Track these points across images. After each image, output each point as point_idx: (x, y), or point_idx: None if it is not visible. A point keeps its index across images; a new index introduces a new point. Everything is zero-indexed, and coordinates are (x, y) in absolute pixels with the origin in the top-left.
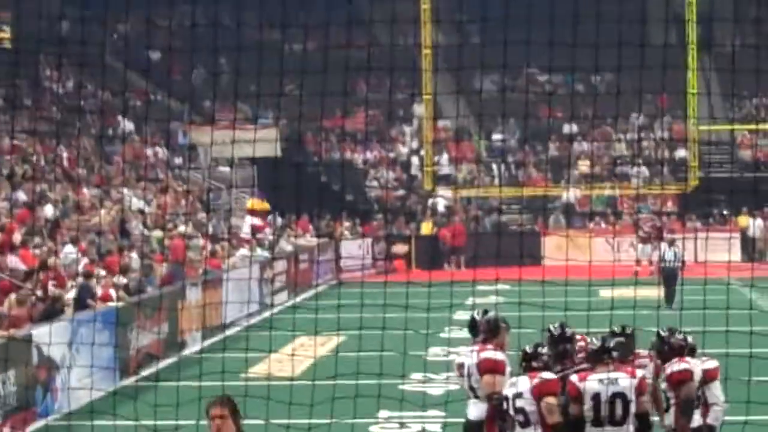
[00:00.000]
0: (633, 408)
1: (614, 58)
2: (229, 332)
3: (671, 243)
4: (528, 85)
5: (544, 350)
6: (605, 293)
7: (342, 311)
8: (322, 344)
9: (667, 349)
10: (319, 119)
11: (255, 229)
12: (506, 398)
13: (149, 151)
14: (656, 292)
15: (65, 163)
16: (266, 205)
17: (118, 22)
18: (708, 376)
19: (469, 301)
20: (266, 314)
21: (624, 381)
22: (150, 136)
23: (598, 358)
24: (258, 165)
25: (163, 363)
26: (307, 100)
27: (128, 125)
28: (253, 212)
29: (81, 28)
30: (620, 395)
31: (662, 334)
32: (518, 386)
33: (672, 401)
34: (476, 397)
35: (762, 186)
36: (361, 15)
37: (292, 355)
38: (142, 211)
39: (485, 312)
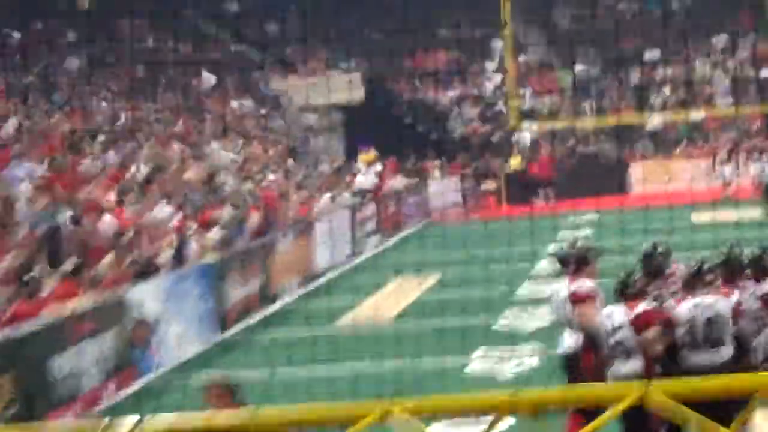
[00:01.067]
0: (730, 330)
1: None
2: (323, 279)
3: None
4: (607, 14)
5: (637, 276)
6: (696, 217)
7: (434, 250)
8: (419, 284)
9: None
10: (400, 60)
11: (380, 177)
12: (604, 330)
13: (234, 104)
14: (752, 213)
15: (152, 119)
16: (372, 155)
17: None
18: None
19: (561, 233)
20: (360, 258)
21: (720, 303)
22: (233, 88)
23: (694, 283)
24: (344, 110)
25: (260, 315)
26: (388, 42)
27: (210, 78)
28: (369, 163)
29: None
30: (716, 318)
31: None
32: (614, 318)
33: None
34: (571, 327)
35: None
36: None
37: (394, 289)
38: (232, 164)
39: (574, 243)
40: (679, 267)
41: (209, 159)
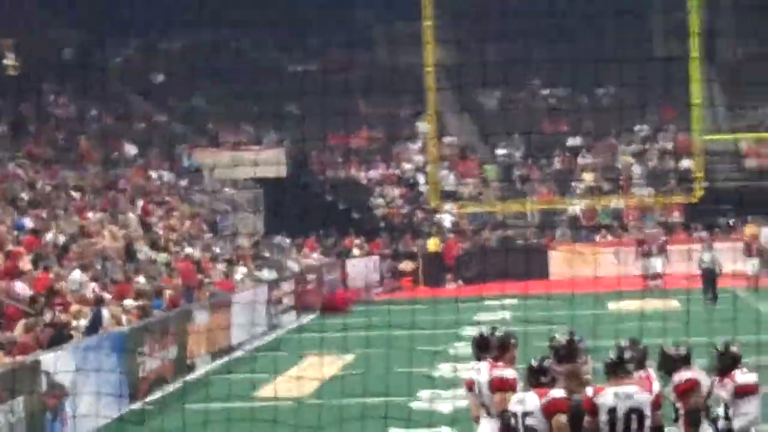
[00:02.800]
0: (648, 422)
1: (617, 71)
2: (237, 354)
3: (709, 247)
4: (531, 100)
5: (549, 364)
6: (613, 306)
7: (349, 331)
8: (329, 364)
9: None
10: (322, 139)
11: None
12: (514, 415)
13: (154, 174)
14: (663, 304)
15: (70, 188)
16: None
17: (120, 47)
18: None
19: (477, 317)
20: (273, 335)
21: (640, 396)
22: (154, 160)
23: (614, 371)
24: (263, 186)
25: (171, 387)
26: (311, 120)
27: (132, 149)
28: None
29: (83, 54)
30: (636, 410)
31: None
32: (527, 404)
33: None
34: (488, 414)
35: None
36: (362, 35)
37: (298, 378)
38: (150, 235)
39: (493, 329)
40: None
41: (127, 229)
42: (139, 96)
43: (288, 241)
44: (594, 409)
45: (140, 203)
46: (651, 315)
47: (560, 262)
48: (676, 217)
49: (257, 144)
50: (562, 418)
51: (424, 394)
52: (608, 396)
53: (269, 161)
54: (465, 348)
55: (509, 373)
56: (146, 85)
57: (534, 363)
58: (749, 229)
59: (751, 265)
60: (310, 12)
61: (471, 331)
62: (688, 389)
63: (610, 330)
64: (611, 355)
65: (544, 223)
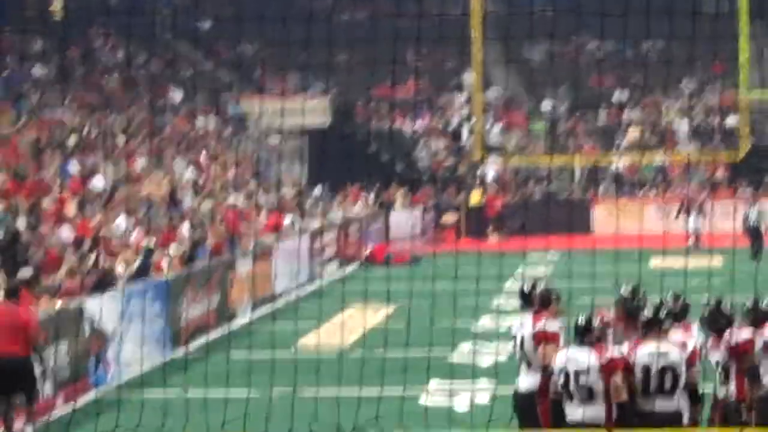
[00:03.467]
0: (683, 380)
1: (665, 25)
2: (278, 303)
3: (755, 203)
4: (577, 53)
5: (597, 321)
6: (656, 262)
7: (391, 282)
8: (371, 314)
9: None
10: (368, 89)
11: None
12: (566, 372)
13: (200, 122)
14: (706, 261)
15: (116, 134)
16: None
17: None
18: None
19: (519, 270)
20: (316, 285)
21: (674, 354)
22: (200, 107)
23: (650, 329)
24: (308, 135)
25: (214, 334)
26: (357, 70)
27: (178, 96)
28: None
29: None
30: (670, 368)
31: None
32: (580, 361)
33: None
34: (529, 366)
35: None
36: None
37: (341, 327)
38: (194, 182)
39: (535, 282)
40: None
41: (172, 175)
42: (186, 42)
43: (326, 192)
44: (629, 366)
45: (186, 150)
46: (694, 271)
47: (604, 217)
48: (721, 174)
49: (303, 93)
50: (620, 379)
51: (465, 346)
52: (643, 354)
53: (314, 110)
54: (506, 301)
55: (552, 326)
56: (194, 31)
57: (583, 320)
58: None
59: None
60: None
61: (512, 285)
62: (748, 350)
63: (654, 286)
64: (647, 313)
65: (588, 178)
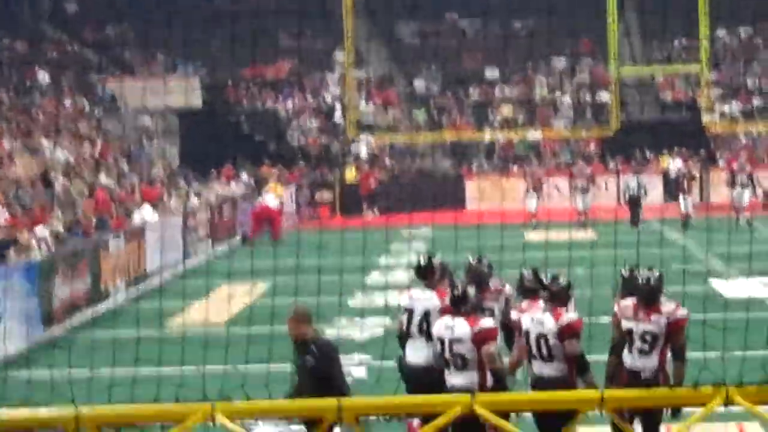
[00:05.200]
0: (558, 349)
1: (535, 2)
2: (152, 281)
3: (636, 174)
4: (448, 31)
5: (472, 292)
6: (530, 236)
7: (265, 259)
8: (246, 293)
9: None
10: (240, 68)
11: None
12: (441, 340)
13: (68, 102)
14: (588, 234)
15: None
16: (281, 189)
17: None
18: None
19: (392, 246)
20: (190, 263)
21: (549, 321)
22: (69, 88)
23: (528, 293)
24: (180, 115)
25: (87, 313)
26: (227, 50)
27: (46, 77)
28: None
29: None
30: (544, 336)
31: (647, 275)
32: (456, 330)
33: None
34: (429, 340)
35: (684, 127)
36: None
37: (225, 295)
38: (66, 163)
39: (430, 257)
40: (506, 286)
41: (41, 157)
42: (51, 24)
43: (199, 172)
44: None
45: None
46: (575, 244)
47: (476, 192)
48: (593, 149)
49: (172, 73)
50: (493, 348)
51: (341, 321)
52: (525, 319)
53: (185, 91)
54: (379, 277)
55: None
56: (59, 13)
57: (456, 290)
58: (664, 162)
59: (683, 202)
60: None
61: (385, 261)
62: (683, 326)
63: (532, 259)
64: (527, 279)
65: (461, 154)
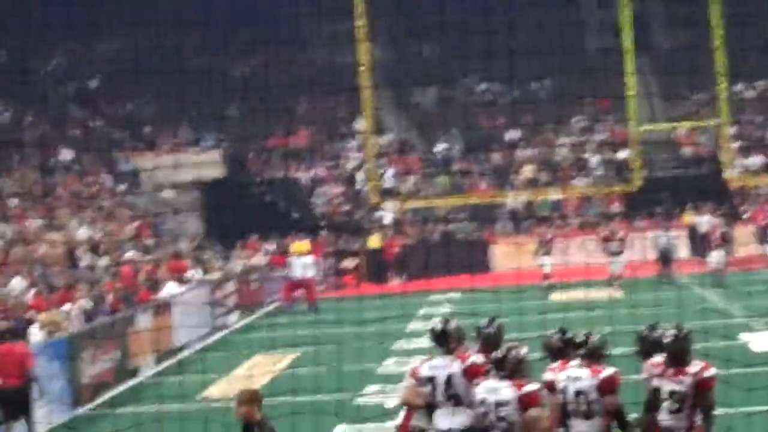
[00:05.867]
0: (598, 405)
1: (551, 64)
2: (182, 355)
3: (666, 230)
4: (467, 95)
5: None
6: (555, 296)
7: (296, 328)
8: (277, 362)
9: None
10: (260, 140)
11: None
12: (485, 403)
13: (91, 179)
14: (605, 293)
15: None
16: (307, 244)
17: (53, 51)
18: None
19: (422, 311)
20: (218, 335)
21: (587, 378)
22: (91, 165)
23: (563, 353)
24: (202, 188)
25: (117, 390)
26: (248, 121)
27: (68, 154)
28: (300, 254)
29: (17, 59)
30: (582, 393)
31: (677, 334)
32: (501, 393)
33: (687, 404)
34: (459, 405)
35: (705, 182)
36: (299, 35)
37: (252, 367)
38: (90, 240)
39: (447, 321)
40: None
41: (66, 235)
42: (74, 102)
43: (224, 244)
44: (554, 387)
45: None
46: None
47: (502, 255)
48: (616, 207)
49: (195, 146)
50: (539, 411)
51: (371, 389)
52: (561, 377)
53: (207, 163)
54: (410, 343)
55: (479, 359)
56: (81, 90)
57: (501, 353)
58: (688, 217)
59: (715, 257)
60: (241, 11)
61: (416, 326)
62: (711, 386)
63: (558, 320)
64: (555, 338)
65: (484, 217)
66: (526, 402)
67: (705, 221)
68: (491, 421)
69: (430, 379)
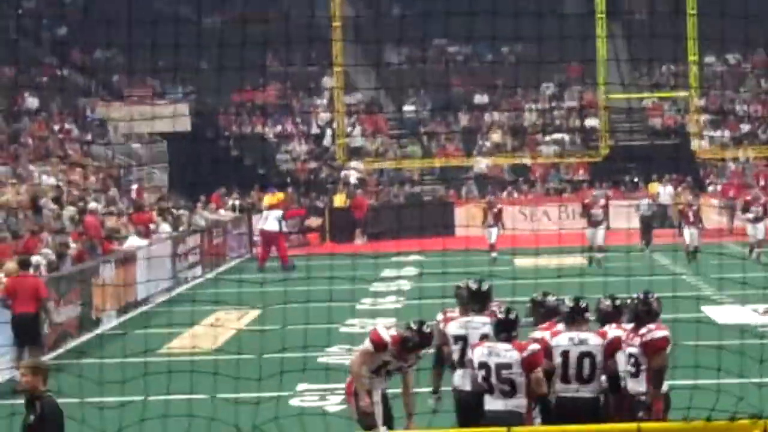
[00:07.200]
0: (601, 368)
1: (524, 28)
2: (144, 308)
3: (647, 197)
4: (437, 57)
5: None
6: (520, 262)
7: (256, 285)
8: (239, 318)
9: (643, 314)
10: (229, 94)
11: (288, 217)
12: (485, 366)
13: (57, 127)
14: (578, 260)
15: None
16: (280, 195)
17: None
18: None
19: (384, 273)
20: (180, 289)
21: (593, 341)
22: (58, 113)
23: (571, 319)
24: (169, 140)
25: (79, 340)
26: (216, 75)
27: (34, 102)
28: (272, 206)
29: None
30: (588, 354)
31: (640, 297)
32: (503, 356)
33: (643, 367)
34: (463, 367)
35: (671, 153)
36: None
37: (213, 325)
38: (57, 187)
39: (481, 281)
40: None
41: (30, 182)
42: (41, 48)
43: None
44: (549, 351)
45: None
46: (565, 271)
47: (467, 218)
48: (582, 175)
49: (163, 98)
50: (540, 373)
51: (334, 349)
52: (563, 338)
53: (174, 116)
54: (373, 304)
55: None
56: (49, 37)
57: (502, 316)
58: (653, 188)
59: (689, 235)
60: None
61: (379, 287)
62: (662, 347)
63: (529, 285)
64: (568, 303)
65: (450, 180)
66: (530, 362)
67: (667, 192)
68: (492, 383)
69: (460, 338)
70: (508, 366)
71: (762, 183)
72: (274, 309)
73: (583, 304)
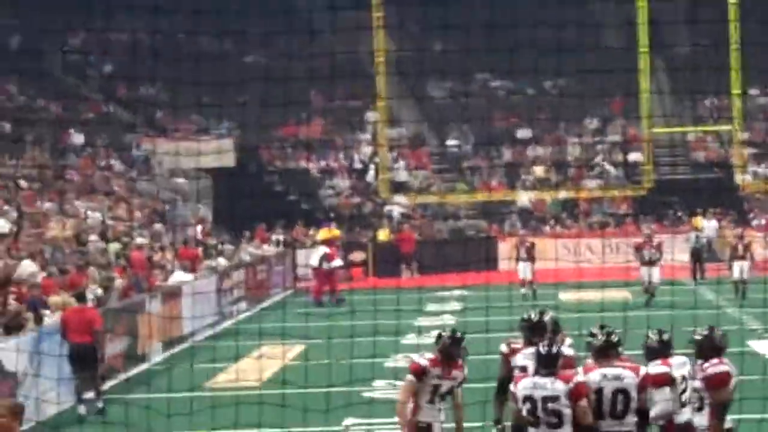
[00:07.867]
0: (634, 404)
1: (567, 63)
2: (189, 343)
3: (692, 231)
4: (480, 91)
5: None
6: (564, 296)
7: (301, 320)
8: (286, 352)
9: (708, 349)
10: (273, 129)
11: (329, 258)
12: (530, 399)
13: (103, 163)
14: (621, 294)
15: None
16: (336, 232)
17: (70, 36)
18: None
19: (429, 307)
20: (226, 324)
21: (627, 377)
22: (104, 149)
23: (602, 354)
24: (213, 176)
25: (125, 375)
26: (262, 110)
27: (80, 138)
28: (325, 242)
29: (30, 43)
30: (622, 391)
31: (704, 333)
32: (550, 387)
33: (707, 402)
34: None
35: (715, 187)
36: (315, 26)
37: (260, 357)
38: (102, 223)
39: (542, 313)
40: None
41: (76, 218)
42: (86, 85)
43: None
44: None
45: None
46: (609, 305)
47: (509, 252)
48: (625, 209)
49: (207, 133)
50: (585, 403)
51: (380, 383)
52: (596, 376)
53: (219, 151)
54: (418, 338)
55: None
56: (95, 74)
57: (546, 347)
58: (697, 222)
59: (738, 268)
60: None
61: (424, 322)
62: (723, 381)
63: (572, 319)
64: (600, 338)
65: (493, 214)
66: (577, 393)
67: (712, 226)
68: (539, 417)
69: (524, 369)
70: (555, 398)
71: None
72: (318, 343)
73: (615, 338)
